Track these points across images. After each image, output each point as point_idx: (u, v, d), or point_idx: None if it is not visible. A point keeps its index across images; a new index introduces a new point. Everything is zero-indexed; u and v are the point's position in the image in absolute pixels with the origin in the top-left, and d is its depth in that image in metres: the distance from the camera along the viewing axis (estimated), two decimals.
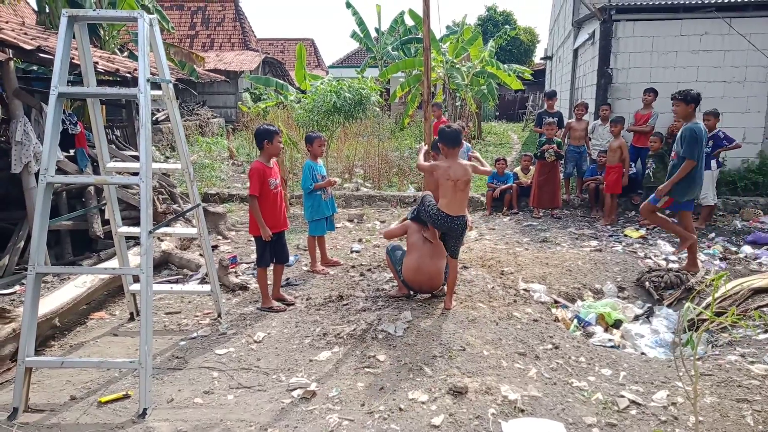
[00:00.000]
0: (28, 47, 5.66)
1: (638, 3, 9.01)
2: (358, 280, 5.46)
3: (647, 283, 5.22)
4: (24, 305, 3.40)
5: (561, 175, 8.36)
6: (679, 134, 5.42)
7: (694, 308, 4.23)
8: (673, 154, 5.52)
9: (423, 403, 3.33)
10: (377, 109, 11.27)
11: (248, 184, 4.81)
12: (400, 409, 3.28)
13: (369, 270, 5.74)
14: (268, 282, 4.96)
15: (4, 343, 3.81)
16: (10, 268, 5.83)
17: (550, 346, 4.02)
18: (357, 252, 6.51)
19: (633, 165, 8.19)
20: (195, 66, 14.88)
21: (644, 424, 3.16)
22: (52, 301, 4.29)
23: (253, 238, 4.99)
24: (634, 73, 8.98)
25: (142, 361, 3.32)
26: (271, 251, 4.83)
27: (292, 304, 4.89)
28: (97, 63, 6.37)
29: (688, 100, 5.36)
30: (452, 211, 4.37)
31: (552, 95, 9.42)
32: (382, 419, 3.20)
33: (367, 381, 3.61)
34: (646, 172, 7.52)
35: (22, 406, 3.33)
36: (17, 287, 5.44)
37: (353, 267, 5.89)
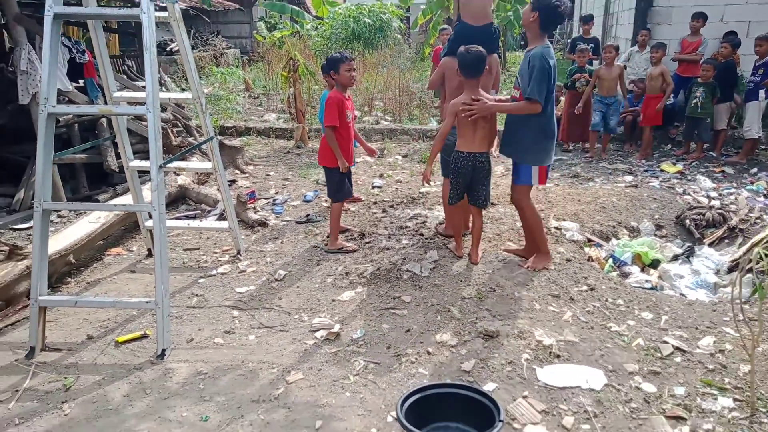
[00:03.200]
0: None
1: None
2: (380, 217, 5.23)
3: (688, 221, 4.92)
4: (33, 244, 3.25)
5: (591, 120, 7.53)
6: (524, 63, 3.73)
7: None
8: (517, 93, 3.82)
9: (452, 346, 3.17)
10: (398, 36, 10.68)
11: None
12: (428, 353, 3.12)
13: (391, 206, 5.50)
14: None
15: (18, 281, 3.71)
16: (26, 203, 5.72)
17: (585, 287, 3.80)
18: (378, 188, 6.26)
19: (674, 96, 7.66)
20: None
21: (690, 372, 2.97)
22: (65, 238, 4.16)
23: (323, 170, 4.69)
24: None
25: (158, 302, 3.18)
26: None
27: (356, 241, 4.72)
28: None
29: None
30: (474, 149, 3.88)
31: (588, 19, 8.70)
32: (409, 363, 3.06)
33: (392, 323, 3.45)
34: (694, 101, 6.98)
35: (39, 345, 3.25)
36: (33, 222, 5.33)
37: (375, 203, 5.66)
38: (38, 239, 3.24)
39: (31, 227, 5.19)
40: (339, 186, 4.51)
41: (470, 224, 4.32)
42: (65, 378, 3.02)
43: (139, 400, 2.85)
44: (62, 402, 2.84)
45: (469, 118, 3.76)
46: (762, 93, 6.80)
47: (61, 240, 4.10)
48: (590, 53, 7.73)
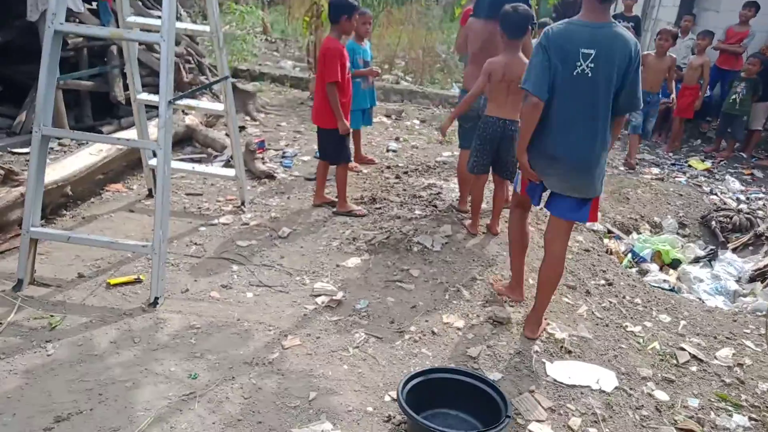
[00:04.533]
0: None
1: None
2: (393, 182, 5.01)
3: (713, 222, 4.71)
4: (29, 170, 3.06)
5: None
6: None
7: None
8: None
9: (459, 329, 3.01)
10: None
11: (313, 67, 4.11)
12: (433, 333, 2.97)
13: (405, 173, 5.27)
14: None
15: (11, 208, 3.53)
16: (27, 126, 5.47)
17: (602, 281, 3.62)
18: (393, 152, 6.01)
19: (710, 89, 7.29)
20: None
21: (705, 383, 2.82)
22: (64, 168, 3.95)
23: (319, 130, 4.23)
24: None
25: (155, 247, 3.01)
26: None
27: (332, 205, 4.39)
28: None
29: None
30: (505, 114, 3.61)
31: None
32: (412, 341, 2.91)
33: (397, 296, 3.28)
34: (732, 97, 6.63)
35: (27, 278, 3.09)
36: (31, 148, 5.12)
37: (388, 168, 5.42)
38: (35, 166, 3.05)
39: (29, 152, 5.00)
40: (339, 147, 4.15)
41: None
42: (51, 316, 2.87)
43: (126, 348, 2.71)
44: (46, 341, 2.70)
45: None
46: None
47: (59, 170, 3.90)
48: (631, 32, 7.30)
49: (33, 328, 2.80)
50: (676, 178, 5.88)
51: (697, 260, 4.31)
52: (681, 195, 5.21)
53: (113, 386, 2.47)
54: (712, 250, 4.40)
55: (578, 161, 2.64)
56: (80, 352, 2.66)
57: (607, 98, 2.58)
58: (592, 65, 2.52)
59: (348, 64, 4.09)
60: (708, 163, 6.50)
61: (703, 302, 3.76)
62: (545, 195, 2.90)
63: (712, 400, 2.71)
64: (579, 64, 2.53)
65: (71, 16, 5.60)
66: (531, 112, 2.67)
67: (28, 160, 4.80)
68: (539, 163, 2.74)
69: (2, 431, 2.22)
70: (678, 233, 4.64)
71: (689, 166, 6.42)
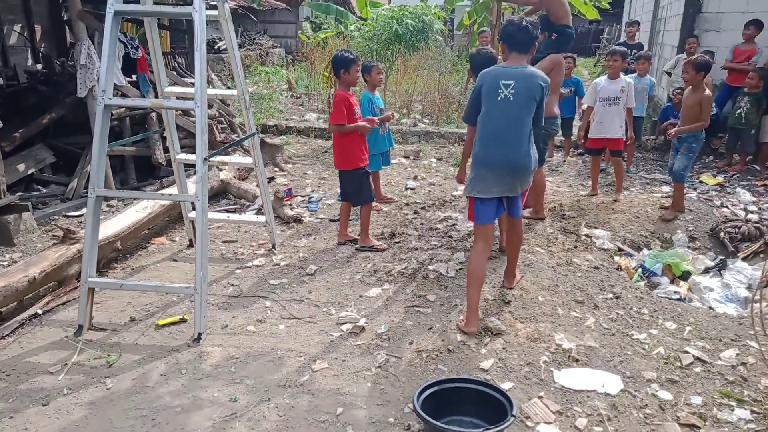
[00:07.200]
0: None
1: None
2: (411, 218, 5.35)
3: (722, 233, 4.85)
4: (85, 228, 3.50)
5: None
6: None
7: None
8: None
9: (473, 345, 3.26)
10: (440, 38, 10.71)
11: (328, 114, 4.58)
12: (449, 350, 3.23)
13: (423, 208, 5.61)
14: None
15: (70, 263, 3.99)
16: (78, 192, 6.07)
17: (610, 295, 3.83)
18: (412, 189, 6.38)
19: (717, 107, 7.47)
20: None
21: (709, 382, 2.98)
22: (114, 225, 4.43)
23: (339, 173, 4.72)
24: (727, 2, 8.05)
25: (197, 287, 3.39)
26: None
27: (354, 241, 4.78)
28: None
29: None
30: None
31: (634, 23, 8.48)
32: (429, 359, 3.17)
33: (416, 320, 3.56)
34: (738, 112, 6.82)
35: (86, 324, 3.50)
36: (85, 210, 5.67)
37: (407, 204, 5.78)
38: (90, 224, 3.48)
39: (83, 215, 5.55)
40: (360, 188, 4.55)
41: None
42: (109, 356, 3.25)
43: (174, 379, 3.05)
44: (105, 377, 3.07)
45: None
46: None
47: (110, 227, 4.37)
48: (628, 60, 7.56)
49: (93, 367, 3.18)
50: (687, 195, 6.02)
51: (707, 271, 4.45)
52: (691, 210, 5.37)
53: (164, 412, 2.81)
54: (721, 260, 4.53)
55: (510, 165, 3.39)
56: (135, 385, 3.01)
57: (525, 115, 3.37)
58: (513, 91, 3.33)
59: (358, 110, 4.57)
60: (720, 178, 6.62)
61: (713, 310, 3.91)
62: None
63: (715, 397, 2.87)
64: (501, 91, 3.35)
65: (114, 89, 6.25)
66: (467, 135, 3.76)
67: (81, 222, 5.35)
68: (480, 172, 3.43)
69: None
70: (688, 247, 4.79)
71: (701, 182, 6.56)
